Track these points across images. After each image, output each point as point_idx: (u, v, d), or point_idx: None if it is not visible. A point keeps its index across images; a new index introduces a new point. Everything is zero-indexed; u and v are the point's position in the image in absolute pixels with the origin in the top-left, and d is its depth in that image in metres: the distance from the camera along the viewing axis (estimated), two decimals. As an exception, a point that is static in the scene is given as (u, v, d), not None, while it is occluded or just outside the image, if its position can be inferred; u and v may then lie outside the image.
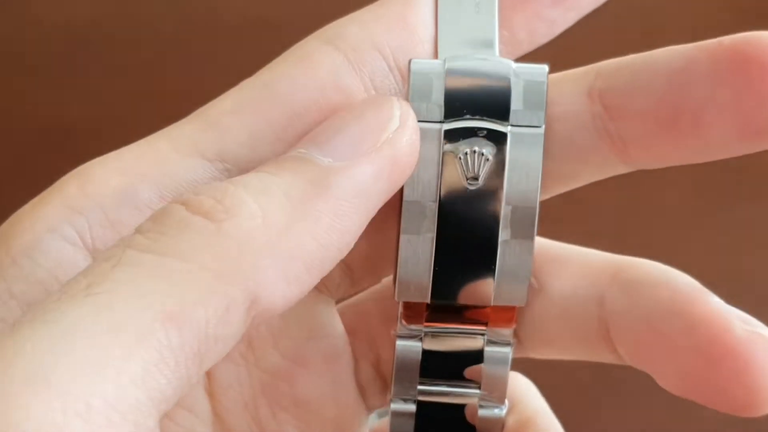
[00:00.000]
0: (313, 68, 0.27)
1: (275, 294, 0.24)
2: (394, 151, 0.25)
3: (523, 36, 0.28)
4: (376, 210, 0.25)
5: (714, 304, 0.26)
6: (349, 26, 0.28)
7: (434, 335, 0.28)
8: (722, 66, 0.25)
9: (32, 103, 0.68)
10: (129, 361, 0.22)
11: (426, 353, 0.28)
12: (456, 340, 0.28)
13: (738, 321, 0.26)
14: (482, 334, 0.28)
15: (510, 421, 0.29)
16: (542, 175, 0.27)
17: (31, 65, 0.69)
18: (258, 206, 0.24)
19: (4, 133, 0.68)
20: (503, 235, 0.27)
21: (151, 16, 0.68)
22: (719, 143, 0.26)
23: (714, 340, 0.26)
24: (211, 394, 0.28)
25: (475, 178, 0.26)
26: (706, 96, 0.26)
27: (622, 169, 0.28)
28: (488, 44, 0.27)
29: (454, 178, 0.26)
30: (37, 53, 0.69)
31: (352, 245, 0.25)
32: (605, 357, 0.28)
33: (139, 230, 0.24)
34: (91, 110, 0.67)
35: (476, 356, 0.28)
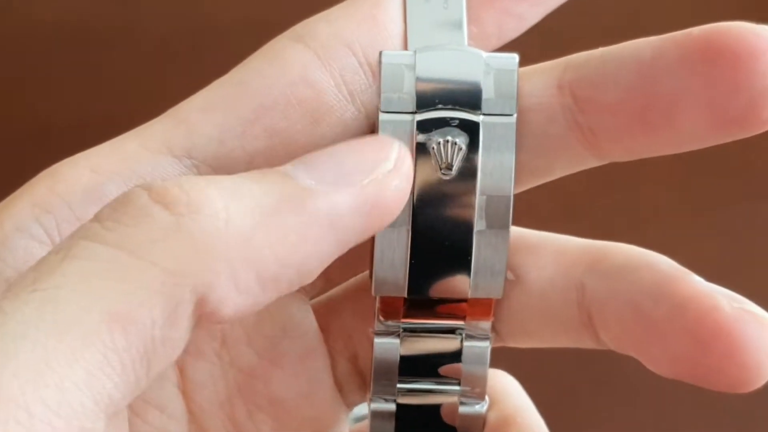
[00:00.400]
0: (283, 65, 0.27)
1: (224, 301, 0.23)
2: (379, 191, 0.25)
3: (492, 31, 0.28)
4: (347, 245, 0.25)
5: (698, 283, 0.26)
6: (319, 24, 0.28)
7: (412, 335, 0.28)
8: (693, 56, 0.25)
9: (21, 103, 0.68)
10: (72, 365, 0.21)
11: (406, 350, 0.28)
12: (434, 338, 0.28)
13: (725, 299, 0.25)
14: (461, 329, 0.28)
15: (491, 418, 0.29)
16: (515, 167, 0.26)
17: (21, 65, 0.69)
18: (224, 207, 0.23)
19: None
20: (478, 225, 0.26)
21: (141, 17, 0.68)
22: (691, 134, 0.26)
23: (702, 320, 0.25)
24: (184, 392, 0.28)
25: (449, 168, 0.26)
26: (677, 87, 0.25)
27: (594, 162, 0.27)
28: (457, 39, 0.27)
29: (428, 168, 0.26)
30: (27, 53, 0.68)
31: (315, 273, 0.24)
32: (587, 344, 0.28)
33: (97, 217, 0.23)
34: (80, 110, 0.67)
35: (455, 353, 0.28)
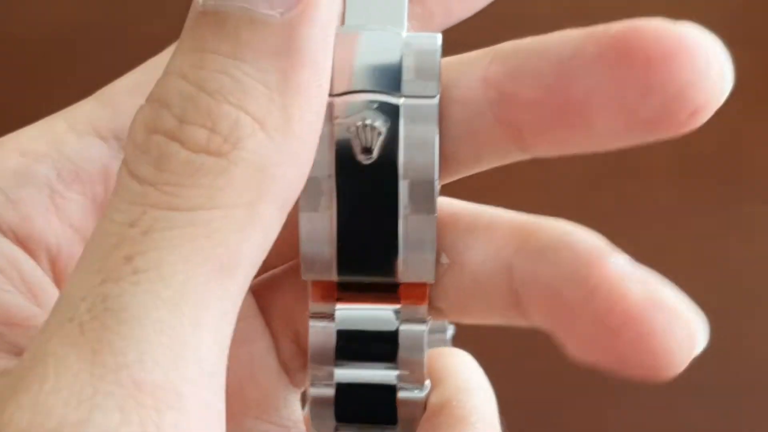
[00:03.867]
0: None
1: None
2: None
3: (437, 10, 0.27)
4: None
5: (612, 267, 0.25)
6: None
7: (348, 320, 0.28)
8: (608, 55, 0.25)
9: (21, 103, 0.69)
10: (200, 333, 0.22)
11: (342, 334, 0.28)
12: (371, 322, 0.28)
13: (636, 285, 0.25)
14: (397, 312, 0.28)
15: (432, 401, 0.29)
16: (442, 157, 0.26)
17: (22, 66, 0.70)
18: (249, 117, 0.23)
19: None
20: (404, 210, 0.26)
21: (139, 18, 0.68)
22: (607, 134, 0.25)
23: (612, 308, 0.25)
24: None
25: (369, 152, 0.26)
26: (591, 87, 0.25)
27: (521, 156, 0.27)
28: (397, 21, 0.27)
29: (348, 152, 0.26)
30: (27, 55, 0.70)
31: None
32: (519, 323, 0.27)
33: (145, 180, 0.23)
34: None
35: (392, 337, 0.28)
